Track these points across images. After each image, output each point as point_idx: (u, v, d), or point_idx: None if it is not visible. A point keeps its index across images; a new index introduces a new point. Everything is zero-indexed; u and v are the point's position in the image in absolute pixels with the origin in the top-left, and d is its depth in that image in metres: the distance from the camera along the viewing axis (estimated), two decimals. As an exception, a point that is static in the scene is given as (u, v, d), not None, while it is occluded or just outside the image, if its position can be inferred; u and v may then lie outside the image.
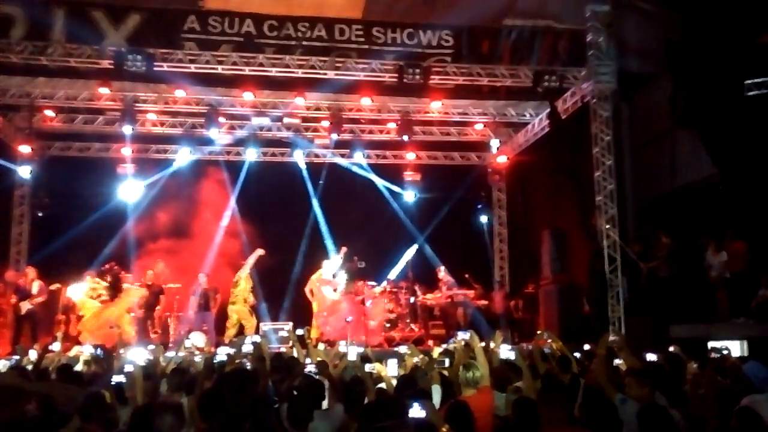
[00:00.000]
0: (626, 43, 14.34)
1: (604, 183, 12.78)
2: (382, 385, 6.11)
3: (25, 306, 12.13)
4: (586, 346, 8.87)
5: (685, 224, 12.37)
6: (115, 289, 12.56)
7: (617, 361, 6.89)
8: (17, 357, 8.59)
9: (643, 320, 11.55)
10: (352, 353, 6.88)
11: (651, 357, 7.17)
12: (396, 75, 12.73)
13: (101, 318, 12.26)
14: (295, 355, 7.33)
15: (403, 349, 8.03)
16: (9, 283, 12.75)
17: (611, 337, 8.44)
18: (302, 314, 13.67)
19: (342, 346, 9.39)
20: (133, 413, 4.18)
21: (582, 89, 13.34)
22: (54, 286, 12.55)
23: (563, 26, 13.86)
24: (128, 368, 5.12)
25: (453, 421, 4.16)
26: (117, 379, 5.06)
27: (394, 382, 5.95)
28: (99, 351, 7.57)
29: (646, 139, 14.16)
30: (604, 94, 13.10)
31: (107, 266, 13.44)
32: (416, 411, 3.25)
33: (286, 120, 15.23)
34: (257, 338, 7.10)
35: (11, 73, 12.61)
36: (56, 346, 7.95)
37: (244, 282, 13.30)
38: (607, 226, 12.46)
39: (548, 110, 13.98)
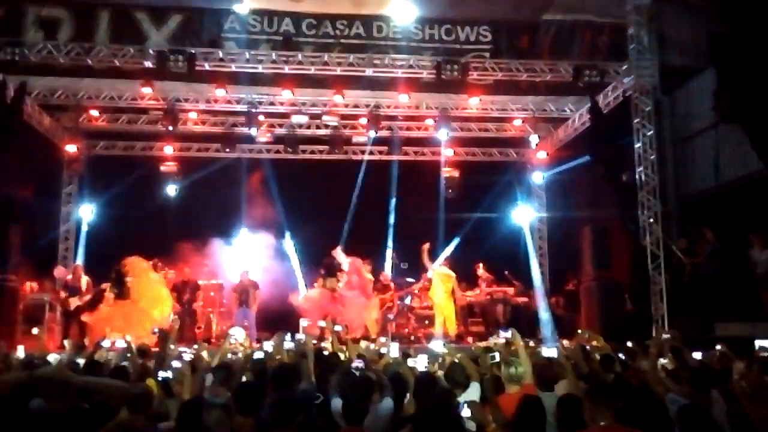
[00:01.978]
0: (668, 37, 14.10)
1: (646, 178, 12.61)
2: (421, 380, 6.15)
3: (74, 302, 12.43)
4: (629, 344, 8.77)
5: (730, 220, 12.12)
6: (120, 285, 12.67)
7: (662, 361, 6.81)
8: (67, 352, 8.83)
9: (688, 318, 11.36)
10: (394, 350, 6.93)
11: (697, 356, 7.08)
12: (434, 71, 12.72)
13: (127, 315, 12.35)
14: (328, 349, 7.39)
15: (438, 346, 8.03)
16: (58, 279, 13.09)
17: (664, 336, 8.35)
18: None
19: (382, 343, 9.48)
20: (181, 407, 4.26)
21: (623, 84, 13.15)
22: (104, 285, 12.79)
23: (604, 20, 13.69)
24: (175, 363, 5.22)
25: (525, 416, 4.18)
26: (163, 374, 5.16)
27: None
28: (141, 346, 7.72)
29: (689, 134, 13.90)
30: (645, 89, 12.91)
31: (151, 263, 13.71)
32: (464, 412, 3.27)
33: (325, 118, 15.34)
34: (299, 335, 7.18)
35: (58, 74, 12.90)
36: (106, 343, 8.13)
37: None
38: (650, 221, 12.29)
39: (589, 105, 13.83)
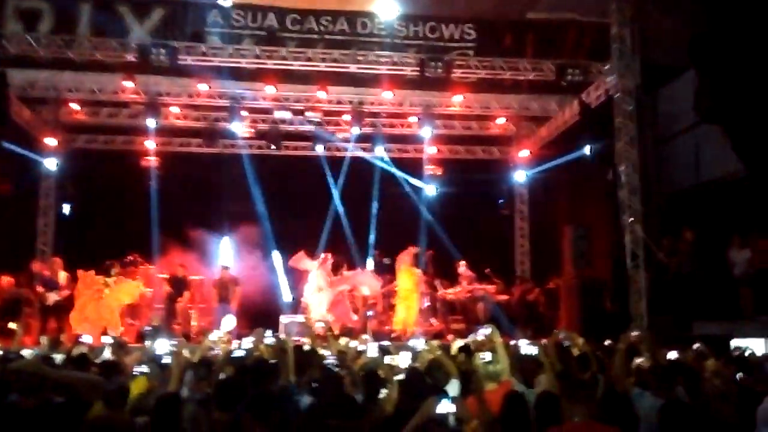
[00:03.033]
0: (651, 36, 14.17)
1: (627, 177, 12.68)
2: (402, 376, 6.16)
3: (52, 297, 12.31)
4: (607, 342, 8.83)
5: (710, 220, 12.22)
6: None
7: (638, 359, 6.85)
8: (43, 347, 8.75)
9: (666, 317, 11.45)
10: (372, 348, 6.92)
11: (672, 354, 7.13)
12: (418, 68, 12.72)
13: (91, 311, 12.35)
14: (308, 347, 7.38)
15: (419, 343, 8.05)
16: (35, 273, 12.94)
17: (633, 333, 8.40)
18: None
19: (360, 340, 9.46)
20: (158, 402, 4.23)
21: (606, 83, 13.21)
22: (84, 280, 12.68)
23: (588, 19, 13.75)
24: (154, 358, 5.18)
25: (511, 412, 4.19)
26: (138, 369, 5.13)
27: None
28: (118, 341, 7.67)
29: (672, 133, 14.00)
30: (628, 88, 12.95)
31: (129, 258, 13.63)
32: (444, 406, 3.25)
33: (308, 114, 15.29)
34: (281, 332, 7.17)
35: (39, 66, 12.77)
36: (87, 338, 8.07)
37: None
38: (631, 220, 12.36)
39: (572, 104, 13.89)
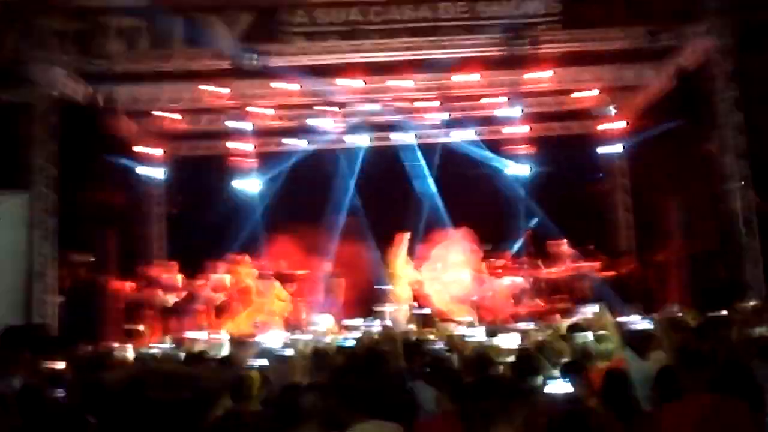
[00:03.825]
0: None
1: (733, 141, 12.12)
2: (511, 358, 6.19)
3: (171, 299, 13.01)
4: (723, 313, 8.55)
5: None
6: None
7: (758, 329, 6.62)
8: (167, 345, 9.30)
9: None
10: (480, 331, 6.98)
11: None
12: (504, 48, 12.57)
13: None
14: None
15: (529, 325, 8.03)
16: (154, 278, 13.70)
17: (751, 303, 8.10)
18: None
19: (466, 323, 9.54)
20: (281, 392, 4.43)
21: (702, 45, 12.65)
22: (199, 282, 13.35)
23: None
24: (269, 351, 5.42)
25: (608, 391, 4.19)
26: (257, 362, 5.38)
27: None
28: (235, 337, 8.03)
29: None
30: (725, 49, 12.36)
31: (238, 257, 14.20)
32: (559, 386, 3.27)
33: (395, 104, 15.39)
34: (387, 321, 7.33)
35: (141, 81, 13.42)
36: (203, 335, 8.50)
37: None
38: (741, 184, 11.82)
39: (667, 70, 13.38)
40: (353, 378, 4.83)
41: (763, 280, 11.40)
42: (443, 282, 13.86)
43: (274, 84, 14.04)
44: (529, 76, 14.26)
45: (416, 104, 15.59)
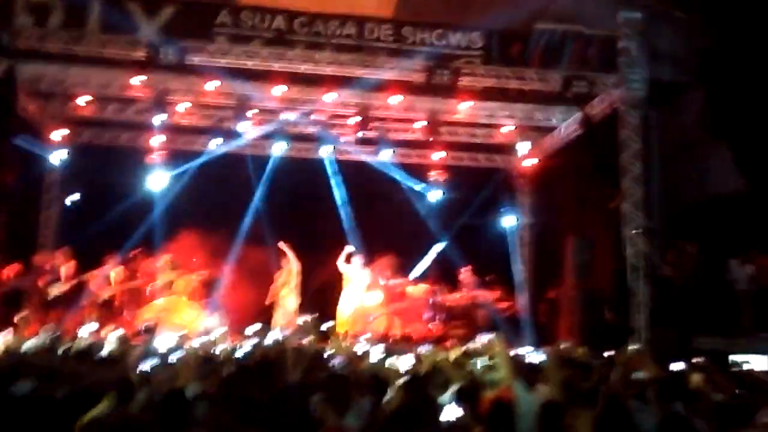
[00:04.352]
0: (659, 51, 14.23)
1: (631, 191, 12.72)
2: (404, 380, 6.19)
3: (54, 290, 12.33)
4: (607, 354, 8.87)
5: (714, 235, 12.27)
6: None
7: (638, 373, 6.88)
8: (45, 337, 8.78)
9: (667, 330, 11.47)
10: (376, 351, 6.94)
11: (676, 366, 7.16)
12: (425, 75, 12.78)
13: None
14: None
15: (423, 349, 8.07)
16: (38, 266, 12.97)
17: (633, 346, 8.44)
18: (326, 309, 13.75)
19: (363, 343, 9.48)
20: (165, 398, 4.25)
21: (612, 95, 13.26)
22: (88, 274, 12.74)
23: (595, 32, 13.80)
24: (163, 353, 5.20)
25: (494, 420, 4.21)
26: (145, 363, 5.15)
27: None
28: (123, 335, 7.68)
29: (677, 147, 14.05)
30: (634, 102, 13.00)
31: (133, 253, 13.68)
32: (450, 412, 3.25)
33: (314, 116, 15.32)
34: (281, 332, 7.19)
35: (47, 60, 12.77)
36: (87, 330, 8.10)
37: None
38: (633, 232, 12.39)
39: (576, 116, 13.94)
40: (245, 389, 4.69)
41: (647, 326, 11.93)
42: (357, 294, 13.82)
43: (190, 80, 13.70)
44: (446, 105, 14.54)
45: (335, 120, 15.57)
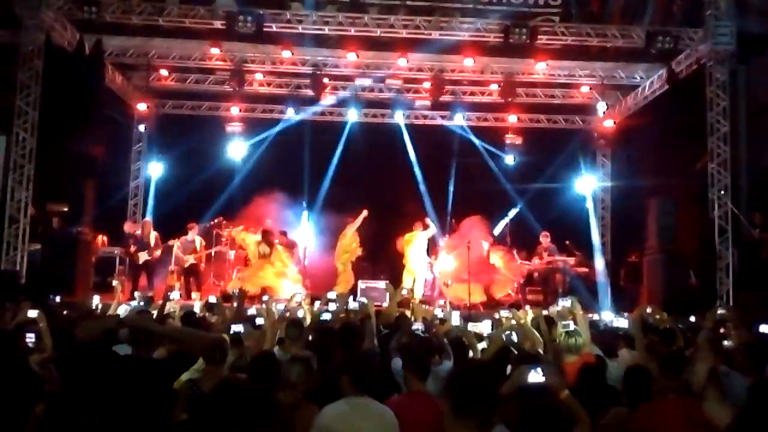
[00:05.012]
0: (747, 3, 13.54)
1: (718, 150, 12.26)
2: (484, 344, 6.23)
3: (143, 256, 12.88)
4: (692, 318, 8.66)
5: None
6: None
7: (725, 338, 6.69)
8: (137, 302, 9.24)
9: (755, 295, 11.10)
10: (455, 316, 7.00)
11: (765, 329, 6.93)
12: (501, 35, 12.56)
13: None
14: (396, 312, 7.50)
15: (503, 313, 8.06)
16: (127, 234, 13.55)
17: (720, 311, 8.19)
18: (399, 274, 13.87)
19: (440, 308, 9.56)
20: (256, 360, 4.41)
21: (698, 51, 12.72)
22: (173, 241, 13.23)
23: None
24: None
25: (586, 384, 4.22)
26: (235, 328, 5.35)
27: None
28: (216, 300, 7.98)
29: (764, 105, 13.40)
30: (721, 57, 12.45)
31: (215, 221, 14.11)
32: (535, 376, 3.26)
33: (388, 81, 15.32)
34: (363, 298, 7.33)
35: (131, 33, 13.18)
36: (176, 295, 8.45)
37: (349, 238, 13.69)
38: (721, 193, 11.98)
39: (660, 73, 13.45)
40: (329, 351, 4.83)
41: (733, 289, 11.58)
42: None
43: (266, 49, 13.89)
44: (522, 66, 14.27)
45: (410, 84, 15.52)
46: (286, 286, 12.91)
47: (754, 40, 13.39)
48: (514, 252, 14.49)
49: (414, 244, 13.76)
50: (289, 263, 13.62)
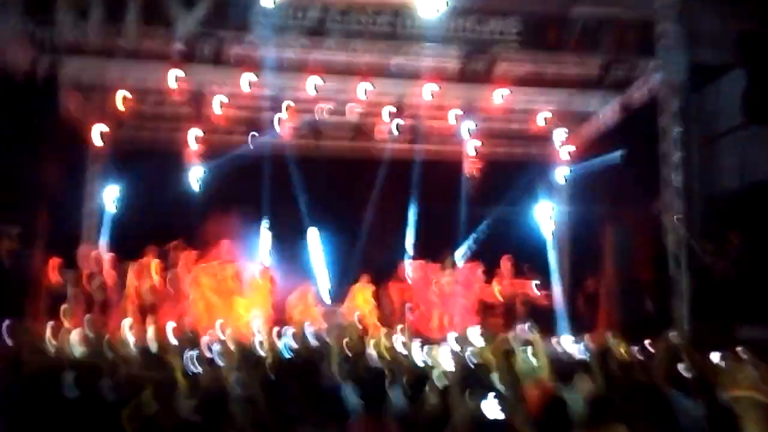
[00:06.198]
0: (699, 34, 13.87)
1: (671, 178, 12.50)
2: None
3: (97, 281, 12.59)
4: (647, 342, 8.78)
5: (756, 222, 12.01)
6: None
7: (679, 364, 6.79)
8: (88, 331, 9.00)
9: (709, 321, 11.29)
10: (414, 344, 6.97)
11: (715, 357, 7.05)
12: (461, 62, 12.69)
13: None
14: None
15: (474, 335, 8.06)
16: (81, 258, 13.25)
17: (673, 336, 8.33)
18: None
19: (398, 335, 9.52)
20: (204, 398, 4.32)
21: (651, 81, 13.01)
22: (129, 267, 12.98)
23: (632, 15, 13.53)
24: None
25: (549, 417, 4.22)
26: (193, 368, 5.23)
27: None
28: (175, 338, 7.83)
29: (718, 133, 13.75)
30: (673, 87, 12.74)
31: (172, 246, 13.88)
32: (492, 410, 3.23)
33: (349, 106, 15.32)
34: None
35: (88, 54, 12.96)
36: (128, 322, 8.28)
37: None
38: (675, 219, 12.19)
39: (614, 102, 13.73)
40: (287, 386, 4.74)
41: (689, 315, 11.76)
42: None
43: (226, 73, 13.77)
44: (482, 93, 14.42)
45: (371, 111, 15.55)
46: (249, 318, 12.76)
47: (706, 69, 13.74)
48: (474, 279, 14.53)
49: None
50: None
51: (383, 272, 14.85)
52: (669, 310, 11.87)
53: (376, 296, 14.31)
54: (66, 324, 8.17)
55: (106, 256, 13.06)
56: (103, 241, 14.48)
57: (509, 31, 13.37)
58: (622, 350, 7.32)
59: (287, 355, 6.25)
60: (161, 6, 12.65)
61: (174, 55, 12.63)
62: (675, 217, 12.24)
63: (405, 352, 6.98)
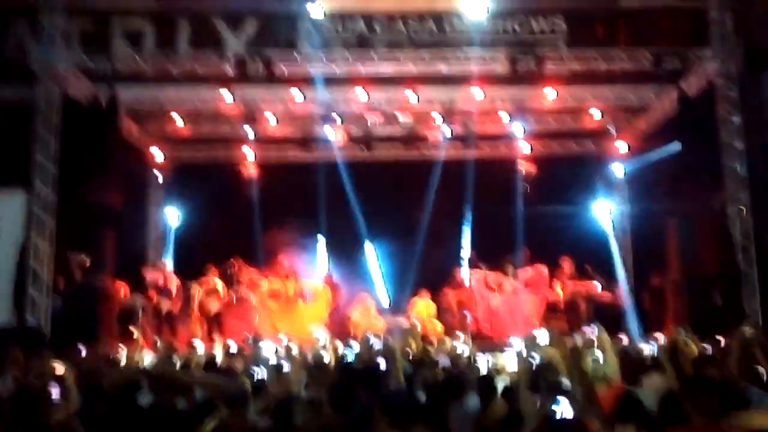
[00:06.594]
0: (755, 17, 13.50)
1: (733, 168, 12.15)
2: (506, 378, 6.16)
3: (165, 303, 12.93)
4: (719, 338, 8.54)
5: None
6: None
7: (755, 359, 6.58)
8: (160, 351, 9.25)
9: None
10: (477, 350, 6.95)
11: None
12: (508, 64, 12.63)
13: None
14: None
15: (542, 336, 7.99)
16: (148, 282, 13.62)
17: (747, 330, 8.07)
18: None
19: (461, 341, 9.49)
20: (276, 404, 4.40)
21: (707, 69, 12.69)
22: (194, 287, 13.28)
23: (684, 4, 13.24)
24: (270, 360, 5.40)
25: (622, 415, 4.17)
26: (259, 374, 5.34)
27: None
28: (238, 347, 7.98)
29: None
30: (730, 74, 12.40)
31: (233, 263, 14.16)
32: (563, 406, 3.21)
33: (399, 116, 15.39)
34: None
35: (144, 81, 13.39)
36: (198, 342, 8.46)
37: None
38: (740, 209, 11.85)
39: (670, 93, 13.43)
40: (353, 393, 4.79)
41: (760, 309, 11.39)
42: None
43: (277, 91, 14.03)
44: (532, 93, 14.30)
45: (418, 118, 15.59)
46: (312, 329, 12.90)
47: (763, 54, 13.33)
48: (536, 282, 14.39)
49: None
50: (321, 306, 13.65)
51: (441, 278, 14.85)
52: (738, 304, 11.50)
53: (436, 303, 14.26)
54: (138, 343, 8.39)
55: (172, 275, 13.39)
56: (168, 260, 14.84)
57: (557, 29, 13.26)
58: (693, 346, 7.11)
59: (351, 360, 6.29)
60: (210, 29, 13.02)
61: (225, 75, 12.88)
62: (741, 208, 11.89)
63: (469, 357, 6.96)
